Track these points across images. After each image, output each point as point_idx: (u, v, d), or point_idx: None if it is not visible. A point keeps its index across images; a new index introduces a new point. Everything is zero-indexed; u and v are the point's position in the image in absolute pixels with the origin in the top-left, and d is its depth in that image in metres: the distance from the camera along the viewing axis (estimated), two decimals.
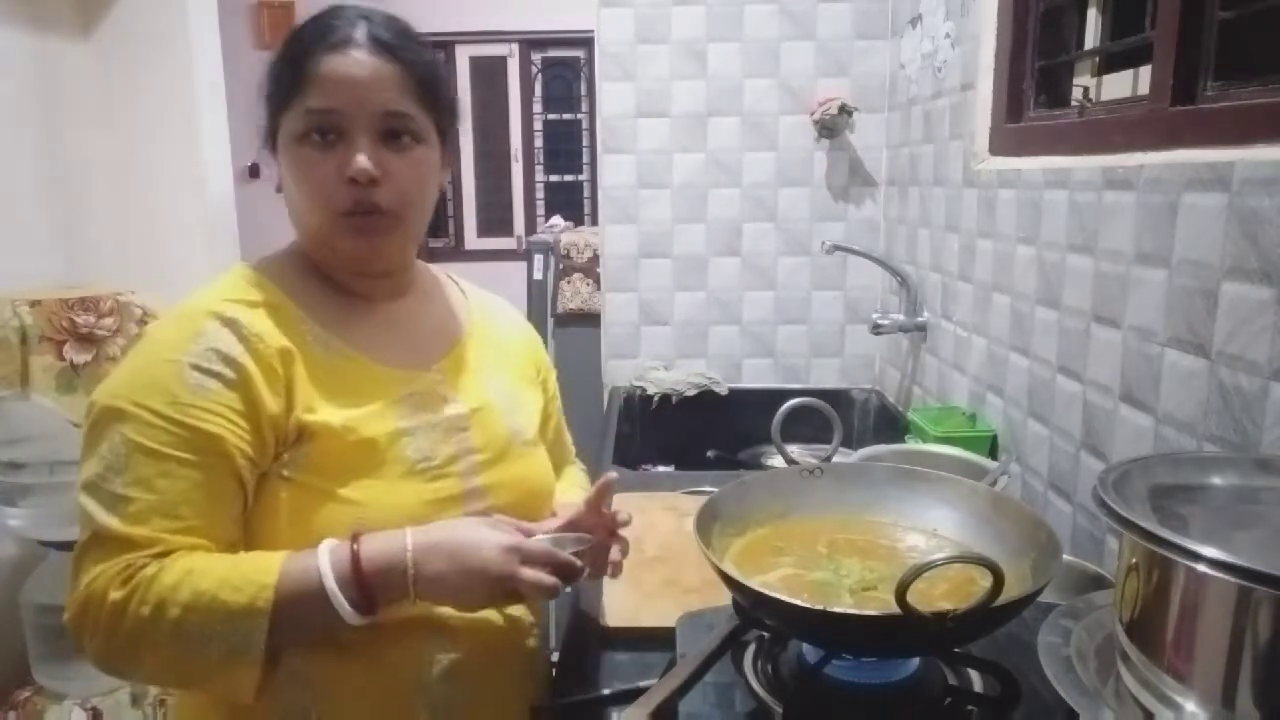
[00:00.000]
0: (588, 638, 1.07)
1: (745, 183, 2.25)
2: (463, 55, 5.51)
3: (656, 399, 2.25)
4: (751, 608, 0.86)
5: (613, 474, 0.99)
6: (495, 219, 5.75)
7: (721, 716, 0.85)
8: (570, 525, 0.96)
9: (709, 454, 2.11)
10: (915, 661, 0.87)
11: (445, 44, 5.39)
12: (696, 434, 2.17)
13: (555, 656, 1.08)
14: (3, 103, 2.13)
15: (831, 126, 2.17)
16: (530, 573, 0.85)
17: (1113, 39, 1.38)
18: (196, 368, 0.85)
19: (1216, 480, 0.74)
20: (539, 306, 3.01)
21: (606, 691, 0.95)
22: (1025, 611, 0.78)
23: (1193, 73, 1.06)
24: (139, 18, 2.40)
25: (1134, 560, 0.66)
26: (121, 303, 2.09)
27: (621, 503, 1.01)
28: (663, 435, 2.22)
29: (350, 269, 0.97)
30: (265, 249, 1.00)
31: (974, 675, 0.88)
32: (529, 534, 0.94)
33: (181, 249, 2.46)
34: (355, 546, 0.83)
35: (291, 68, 0.90)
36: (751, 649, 0.92)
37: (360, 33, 0.90)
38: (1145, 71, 1.19)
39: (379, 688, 0.89)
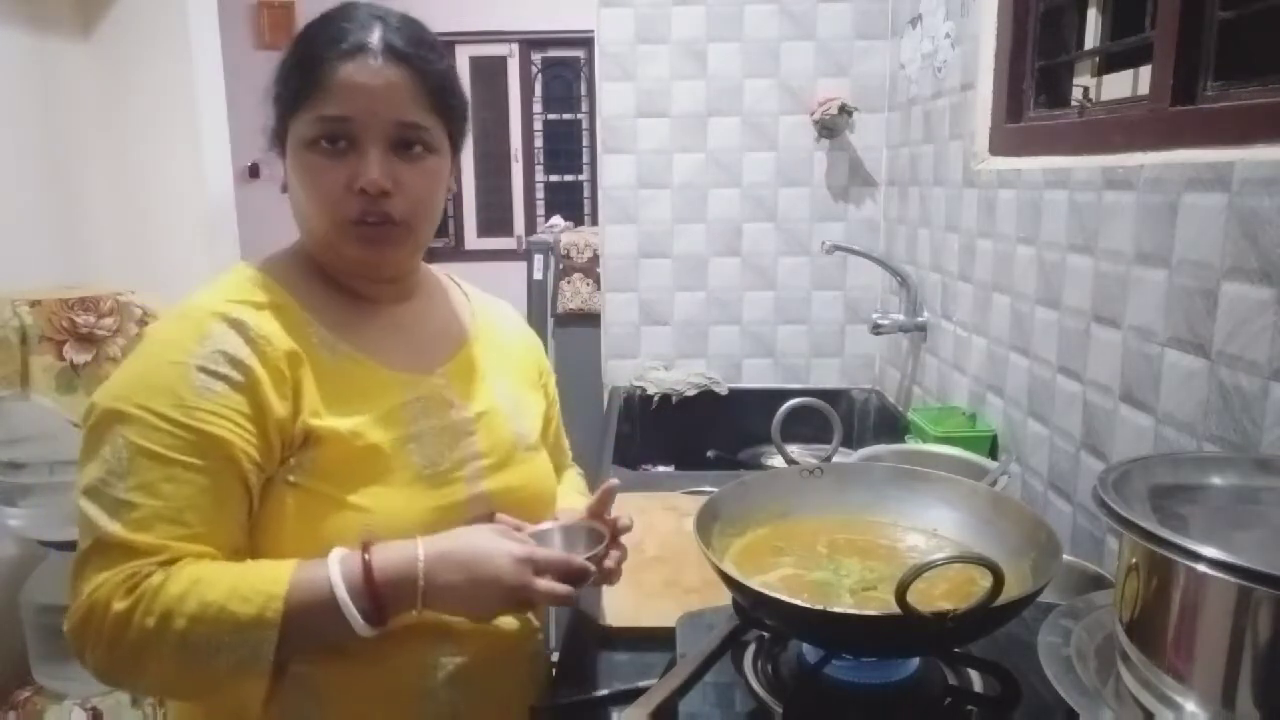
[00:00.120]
0: (588, 638, 1.07)
1: (745, 183, 2.25)
2: (463, 55, 5.50)
3: (656, 399, 2.25)
4: (751, 608, 0.86)
5: (615, 480, 0.99)
6: (495, 219, 5.75)
7: (721, 716, 0.85)
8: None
9: (709, 454, 2.11)
10: (915, 661, 0.87)
11: (445, 44, 5.38)
12: (696, 434, 2.17)
13: (555, 656, 1.08)
14: (3, 103, 2.13)
15: (831, 126, 2.17)
16: (544, 583, 0.84)
17: (1113, 39, 1.38)
18: (203, 370, 0.83)
19: (1216, 480, 0.74)
20: (539, 306, 3.01)
21: (606, 691, 0.95)
22: (1025, 611, 0.78)
23: (1193, 73, 1.06)
24: (139, 18, 2.40)
25: (1134, 560, 0.66)
26: (121, 303, 2.09)
27: (621, 503, 1.01)
28: (663, 435, 2.22)
29: (357, 274, 0.96)
30: (265, 249, 0.99)
31: (974, 675, 0.88)
32: (539, 528, 0.94)
33: (181, 249, 2.46)
34: (367, 556, 0.81)
35: (303, 72, 0.89)
36: (751, 649, 0.92)
37: (375, 38, 0.88)
38: (1145, 71, 1.19)
39: (384, 693, 0.88)
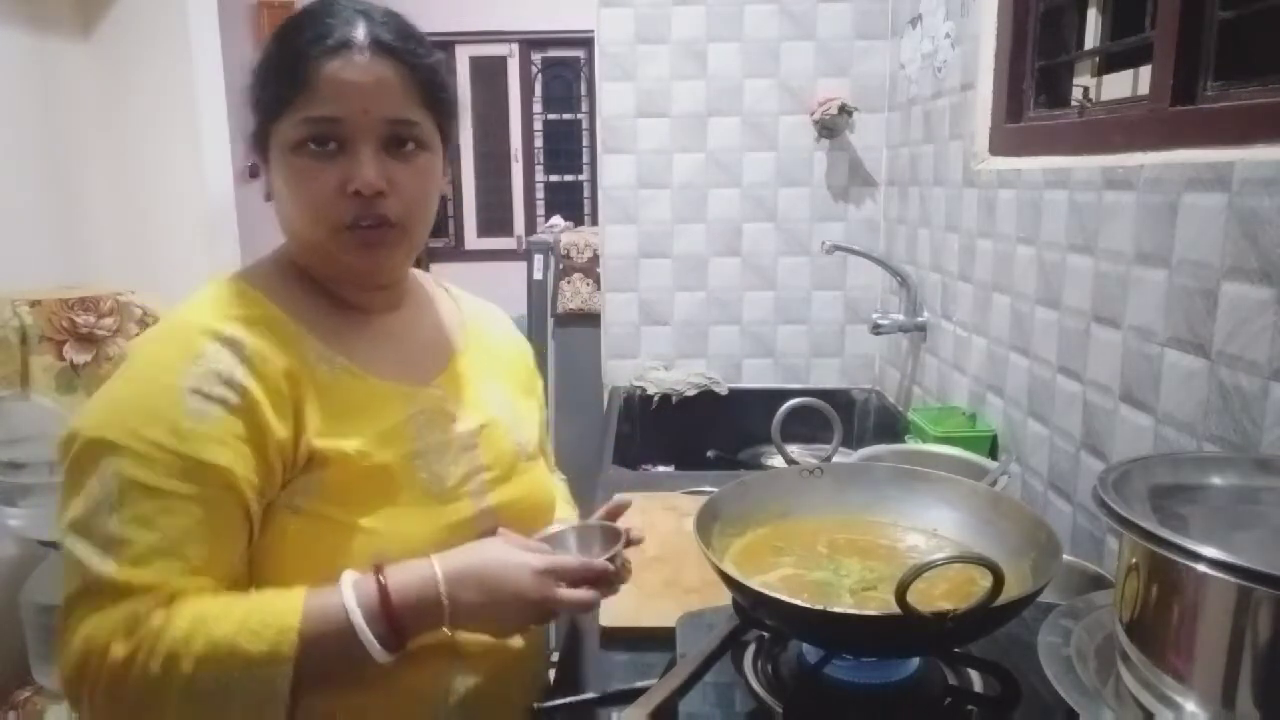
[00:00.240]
0: (587, 638, 1.07)
1: (745, 183, 2.25)
2: (463, 55, 5.51)
3: (656, 399, 2.25)
4: (751, 608, 0.86)
5: (625, 497, 0.98)
6: (495, 219, 5.75)
7: (721, 716, 0.85)
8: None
9: (709, 454, 2.11)
10: (915, 661, 0.87)
11: (445, 44, 5.38)
12: (696, 434, 2.17)
13: (555, 657, 1.08)
14: (3, 103, 2.13)
15: (831, 126, 2.17)
16: (569, 593, 0.83)
17: (1113, 39, 1.38)
18: (197, 392, 0.77)
19: (1216, 480, 0.74)
20: (539, 306, 3.00)
21: (606, 692, 0.95)
22: (1025, 611, 0.78)
23: (1193, 73, 1.06)
24: (139, 18, 2.40)
25: (1134, 560, 0.66)
26: (121, 303, 2.09)
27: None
28: (663, 435, 2.22)
29: (350, 282, 0.92)
30: (265, 249, 0.98)
31: (974, 675, 0.88)
32: (551, 531, 0.94)
33: (181, 249, 2.46)
34: (382, 579, 0.78)
35: (286, 72, 0.84)
36: (751, 649, 0.92)
37: (360, 33, 0.84)
38: (1145, 71, 1.19)
39: (396, 717, 0.86)
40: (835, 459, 1.12)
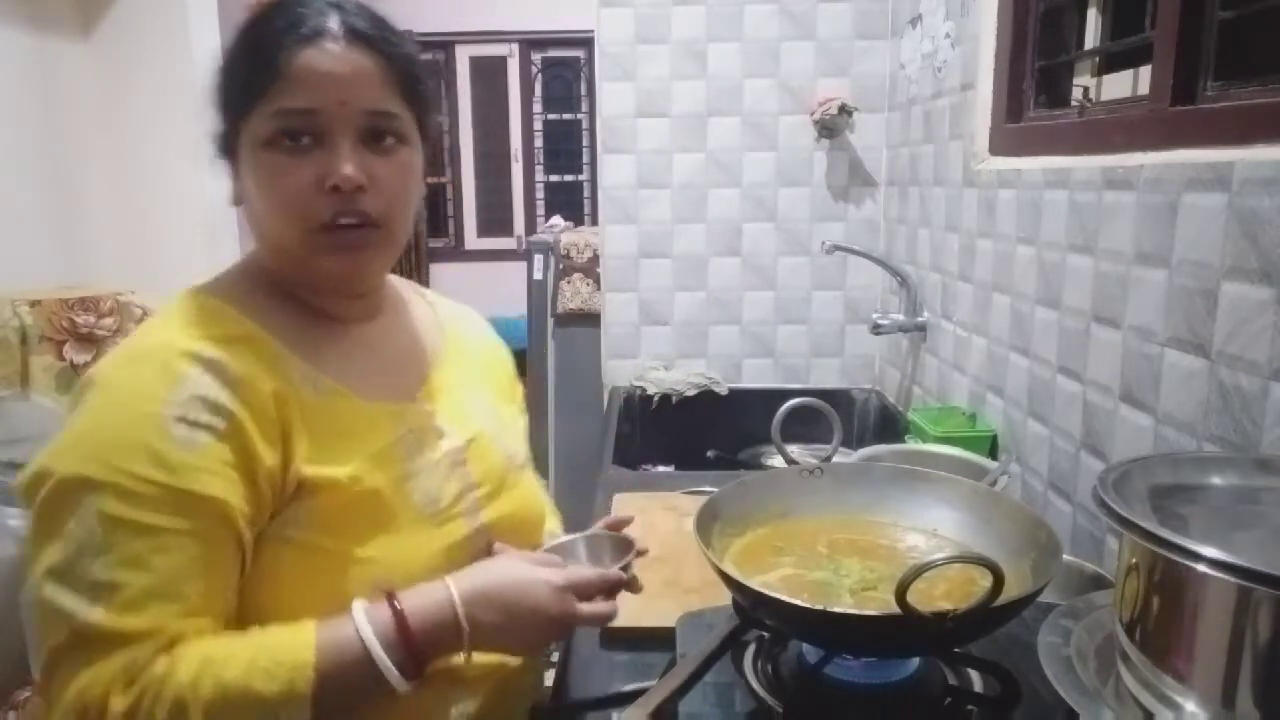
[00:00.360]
0: (588, 638, 1.07)
1: (745, 183, 2.25)
2: (463, 55, 5.51)
3: (656, 399, 2.25)
4: (751, 608, 0.86)
5: (628, 513, 0.98)
6: (495, 219, 5.75)
7: (721, 716, 0.85)
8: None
9: (709, 454, 2.11)
10: (915, 661, 0.87)
11: (445, 44, 5.39)
12: (696, 434, 2.17)
13: (555, 657, 1.08)
14: (3, 103, 2.13)
15: (831, 126, 2.17)
16: (589, 607, 0.82)
17: (1113, 39, 1.38)
18: (182, 420, 0.72)
19: (1216, 480, 0.73)
20: (539, 306, 3.00)
21: (606, 693, 0.95)
22: (1025, 611, 0.78)
23: (1193, 73, 1.06)
24: (139, 18, 2.40)
25: (1134, 560, 0.66)
26: (121, 303, 2.09)
27: (622, 503, 1.01)
28: (663, 435, 2.22)
29: (327, 289, 0.87)
30: None
31: (974, 675, 0.88)
32: (559, 542, 0.93)
33: (181, 249, 2.47)
34: (398, 605, 0.75)
35: (256, 63, 0.79)
36: (751, 649, 0.92)
37: (334, 22, 0.80)
38: (1145, 71, 1.19)
39: None
40: (835, 459, 1.12)
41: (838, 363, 2.33)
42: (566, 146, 5.72)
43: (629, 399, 2.26)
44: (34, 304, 1.94)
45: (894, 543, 0.98)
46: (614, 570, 0.87)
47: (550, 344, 2.99)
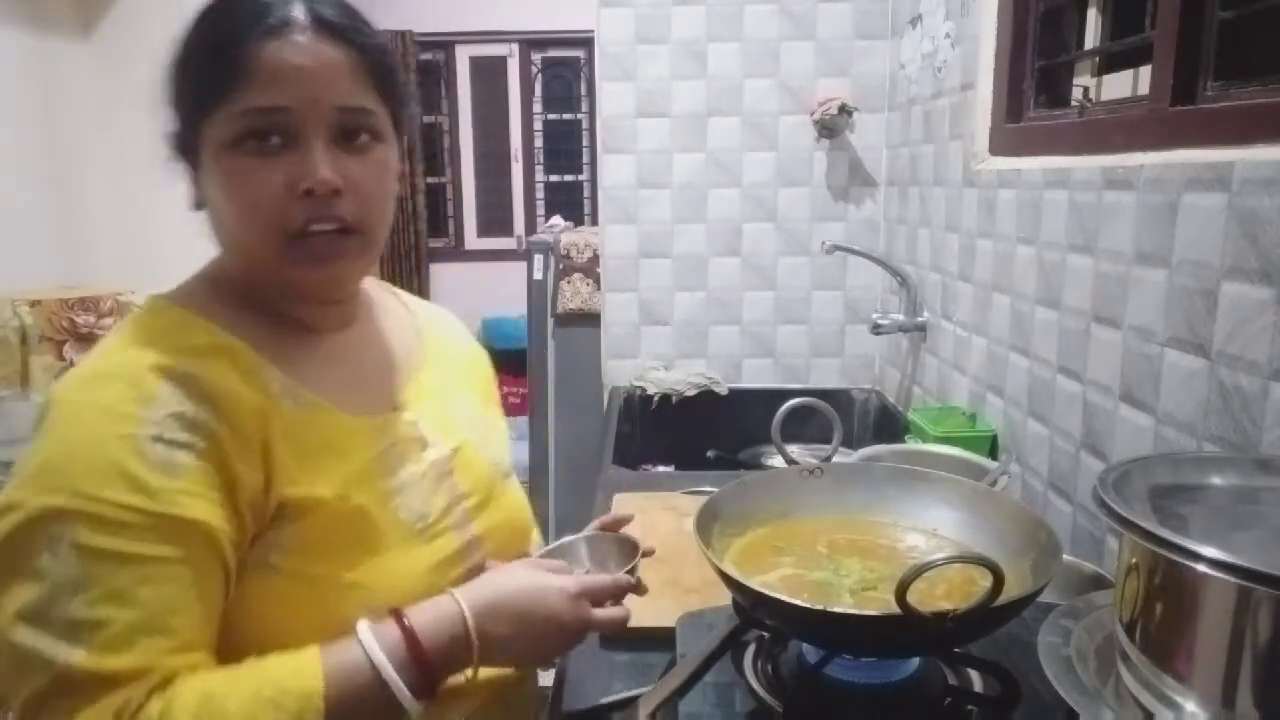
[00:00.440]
0: (587, 638, 1.07)
1: (745, 183, 2.25)
2: (463, 55, 5.51)
3: (656, 399, 2.25)
4: (751, 608, 0.86)
5: (626, 512, 0.98)
6: (495, 219, 5.75)
7: (721, 716, 0.85)
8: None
9: (709, 454, 2.10)
10: (915, 661, 0.87)
11: (445, 44, 5.39)
12: (696, 434, 2.17)
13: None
14: (3, 103, 2.13)
15: (831, 126, 2.17)
16: (604, 613, 0.81)
17: (1113, 39, 1.38)
18: (159, 440, 0.67)
19: (1216, 480, 0.73)
20: (539, 306, 3.00)
21: (606, 700, 0.94)
22: (1025, 611, 0.78)
23: (1193, 73, 1.06)
24: (139, 18, 2.40)
25: (1134, 560, 0.66)
26: (121, 303, 2.09)
27: (622, 503, 1.01)
28: (663, 435, 2.22)
29: (300, 298, 0.82)
30: None
31: (974, 675, 0.88)
32: (561, 543, 0.92)
33: (181, 249, 2.46)
34: (406, 623, 0.72)
35: (219, 58, 0.73)
36: (751, 649, 0.92)
37: (300, 12, 0.74)
38: (1145, 71, 1.19)
39: None
40: (835, 459, 1.11)
41: (838, 363, 2.33)
42: (566, 146, 5.72)
43: (629, 399, 2.26)
44: (34, 304, 1.95)
45: (894, 543, 0.98)
46: (623, 574, 0.86)
47: (550, 344, 2.99)
